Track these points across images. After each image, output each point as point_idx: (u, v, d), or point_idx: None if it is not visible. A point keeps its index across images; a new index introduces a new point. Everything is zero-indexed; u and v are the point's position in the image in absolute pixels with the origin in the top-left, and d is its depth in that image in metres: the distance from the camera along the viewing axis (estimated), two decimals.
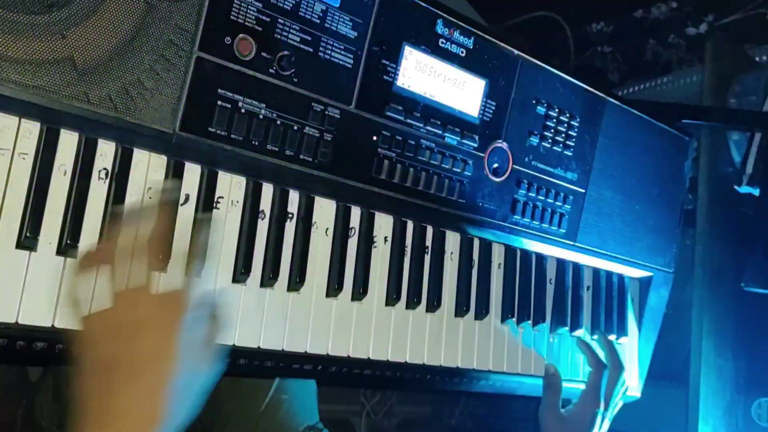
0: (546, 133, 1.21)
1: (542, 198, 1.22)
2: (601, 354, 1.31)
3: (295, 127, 0.93)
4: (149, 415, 0.66)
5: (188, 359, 0.69)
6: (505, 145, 1.16)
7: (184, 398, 0.70)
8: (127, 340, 0.68)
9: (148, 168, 0.86)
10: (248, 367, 0.95)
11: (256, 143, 0.91)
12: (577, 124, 1.24)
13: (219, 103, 0.87)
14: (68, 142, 0.81)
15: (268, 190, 0.97)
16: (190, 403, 0.71)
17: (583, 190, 1.28)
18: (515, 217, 1.19)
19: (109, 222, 0.80)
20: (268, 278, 0.95)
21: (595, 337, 1.36)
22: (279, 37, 0.91)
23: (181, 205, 0.88)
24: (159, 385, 0.67)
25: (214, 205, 0.91)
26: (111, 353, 0.67)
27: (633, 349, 1.46)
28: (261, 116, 0.90)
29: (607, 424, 1.27)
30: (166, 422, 0.67)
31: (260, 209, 0.96)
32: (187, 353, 0.69)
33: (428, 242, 1.13)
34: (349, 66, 0.98)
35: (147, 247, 0.71)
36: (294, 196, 0.99)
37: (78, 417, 0.67)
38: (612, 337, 1.40)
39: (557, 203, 1.24)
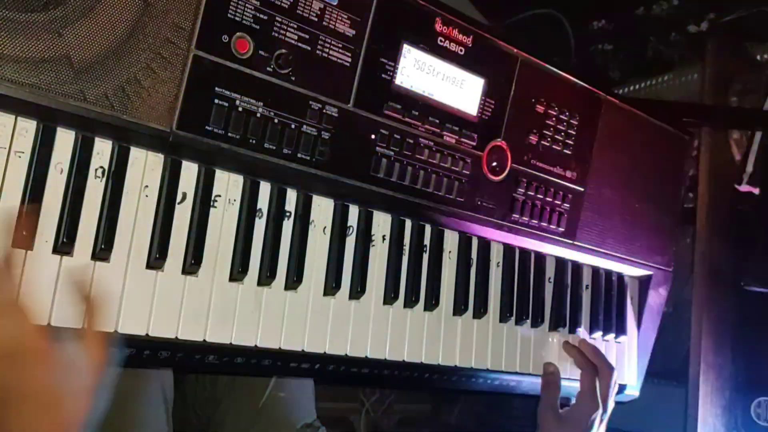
0: (545, 132, 1.20)
1: (541, 197, 1.21)
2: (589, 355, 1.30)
3: (293, 126, 0.93)
4: None
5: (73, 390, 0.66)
6: (503, 144, 1.15)
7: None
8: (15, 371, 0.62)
9: (144, 166, 0.86)
10: (245, 365, 0.95)
11: (254, 142, 0.90)
12: (576, 123, 1.24)
13: (216, 101, 0.86)
14: (65, 140, 0.81)
15: (265, 189, 0.96)
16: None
17: (582, 189, 1.27)
18: (514, 215, 1.18)
19: None
20: (266, 277, 0.94)
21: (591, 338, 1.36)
22: (276, 35, 0.90)
23: (179, 203, 0.88)
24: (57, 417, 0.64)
25: (212, 203, 0.91)
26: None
27: (632, 347, 1.46)
28: (258, 115, 0.90)
29: (604, 425, 1.26)
30: None
31: (258, 208, 0.95)
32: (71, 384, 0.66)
33: (427, 241, 1.13)
34: (347, 64, 0.97)
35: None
36: (292, 195, 0.99)
37: None
38: (611, 336, 1.39)
39: (556, 202, 1.24)
